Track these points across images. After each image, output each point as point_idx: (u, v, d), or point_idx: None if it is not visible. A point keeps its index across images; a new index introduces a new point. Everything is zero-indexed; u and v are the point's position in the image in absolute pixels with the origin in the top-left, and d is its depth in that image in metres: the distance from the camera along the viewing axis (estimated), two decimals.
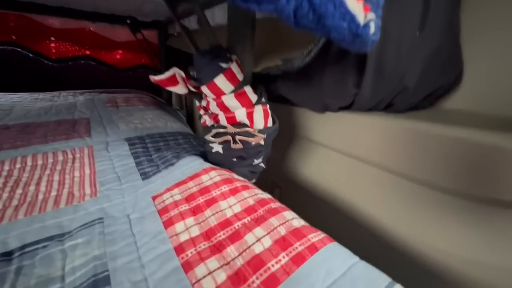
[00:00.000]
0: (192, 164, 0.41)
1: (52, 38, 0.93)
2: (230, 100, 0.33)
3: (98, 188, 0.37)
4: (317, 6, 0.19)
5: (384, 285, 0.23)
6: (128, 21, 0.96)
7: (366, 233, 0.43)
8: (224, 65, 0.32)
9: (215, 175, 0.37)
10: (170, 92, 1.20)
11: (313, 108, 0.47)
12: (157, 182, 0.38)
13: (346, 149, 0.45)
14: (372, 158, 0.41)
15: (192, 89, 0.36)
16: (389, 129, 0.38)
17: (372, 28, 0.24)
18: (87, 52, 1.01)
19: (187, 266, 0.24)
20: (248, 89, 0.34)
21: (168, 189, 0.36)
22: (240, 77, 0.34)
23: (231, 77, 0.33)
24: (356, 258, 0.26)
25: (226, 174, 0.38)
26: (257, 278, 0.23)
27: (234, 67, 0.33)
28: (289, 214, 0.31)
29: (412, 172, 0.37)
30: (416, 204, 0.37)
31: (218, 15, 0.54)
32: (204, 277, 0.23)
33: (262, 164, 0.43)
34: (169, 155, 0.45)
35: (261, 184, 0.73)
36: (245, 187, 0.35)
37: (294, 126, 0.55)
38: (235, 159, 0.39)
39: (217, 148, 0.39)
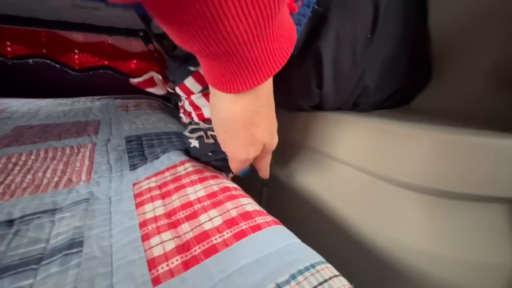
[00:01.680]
0: (173, 157, 0.45)
1: (76, 51, 1.06)
2: (198, 99, 0.38)
3: (92, 175, 0.43)
4: None
5: (313, 262, 0.26)
6: (141, 34, 1.06)
7: (334, 226, 0.45)
8: (192, 68, 0.37)
9: (189, 166, 0.41)
10: None
11: (287, 108, 0.50)
12: (140, 172, 0.43)
13: (318, 147, 0.47)
14: (339, 155, 0.43)
15: (170, 90, 0.41)
16: (353, 127, 0.40)
17: None
18: (106, 63, 1.12)
19: (145, 237, 0.29)
20: None
21: (147, 178, 0.41)
22: None
23: (199, 79, 0.37)
24: (295, 239, 0.29)
25: (200, 166, 0.42)
26: (199, 248, 0.27)
27: None
28: (245, 200, 0.34)
29: (374, 168, 0.38)
30: (378, 199, 0.39)
31: None
32: (156, 245, 0.27)
33: None
34: (158, 151, 0.51)
35: (251, 182, 0.76)
36: (214, 177, 0.39)
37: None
38: (210, 153, 0.44)
39: (194, 143, 0.44)
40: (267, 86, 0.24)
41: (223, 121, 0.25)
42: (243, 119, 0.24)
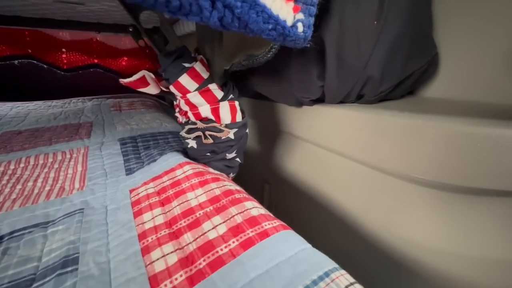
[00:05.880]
0: (171, 159, 0.43)
1: (63, 50, 1.01)
2: (194, 97, 0.35)
3: (86, 183, 0.41)
4: (240, 15, 0.21)
5: (326, 269, 0.24)
6: (130, 29, 1.01)
7: (340, 224, 0.43)
8: (187, 64, 0.34)
9: (188, 169, 0.39)
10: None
11: (288, 103, 0.48)
12: (137, 177, 0.41)
13: (322, 142, 0.45)
14: (344, 150, 0.41)
15: (164, 89, 0.38)
16: (358, 120, 0.38)
17: (300, 27, 0.25)
18: (95, 61, 1.08)
19: (146, 250, 0.27)
20: (212, 86, 0.36)
21: (145, 183, 0.39)
22: (204, 75, 0.36)
23: (194, 76, 0.35)
24: (306, 245, 0.27)
25: (200, 168, 0.40)
26: (204, 260, 0.25)
27: (198, 66, 0.35)
28: (250, 204, 0.32)
29: (379, 162, 0.36)
30: (386, 195, 0.37)
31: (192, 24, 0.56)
32: (157, 259, 0.25)
33: (237, 159, 0.44)
34: (154, 153, 0.48)
35: (252, 180, 0.74)
36: (215, 179, 0.37)
37: (278, 122, 0.56)
38: (208, 154, 0.41)
39: (191, 143, 0.41)
40: None
41: None
42: None
